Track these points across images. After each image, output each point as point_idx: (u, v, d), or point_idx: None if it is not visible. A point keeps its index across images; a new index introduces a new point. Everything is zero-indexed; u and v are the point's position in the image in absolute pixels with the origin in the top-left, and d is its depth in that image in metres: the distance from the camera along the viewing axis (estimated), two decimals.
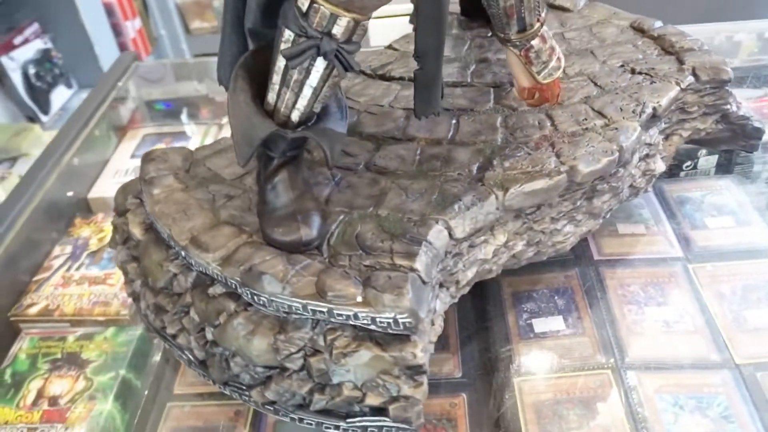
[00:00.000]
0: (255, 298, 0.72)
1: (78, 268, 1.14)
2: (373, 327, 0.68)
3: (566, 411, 0.87)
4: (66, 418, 0.91)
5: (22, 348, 1.02)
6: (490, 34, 1.16)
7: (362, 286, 0.69)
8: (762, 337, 0.93)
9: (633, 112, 0.93)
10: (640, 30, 1.14)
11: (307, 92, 0.74)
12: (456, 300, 0.83)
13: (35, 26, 2.78)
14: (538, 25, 0.80)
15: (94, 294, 1.08)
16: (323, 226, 0.77)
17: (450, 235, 0.77)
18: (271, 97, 0.75)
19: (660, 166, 0.99)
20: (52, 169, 1.20)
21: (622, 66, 1.04)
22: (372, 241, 0.75)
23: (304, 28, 0.68)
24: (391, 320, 0.67)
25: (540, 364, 0.93)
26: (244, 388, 0.74)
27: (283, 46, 0.71)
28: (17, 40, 2.72)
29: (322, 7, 0.67)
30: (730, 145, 1.10)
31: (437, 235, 0.76)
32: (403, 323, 0.67)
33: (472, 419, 0.88)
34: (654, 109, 0.94)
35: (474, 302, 1.05)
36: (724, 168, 1.24)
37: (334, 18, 0.68)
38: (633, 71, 1.03)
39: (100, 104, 1.37)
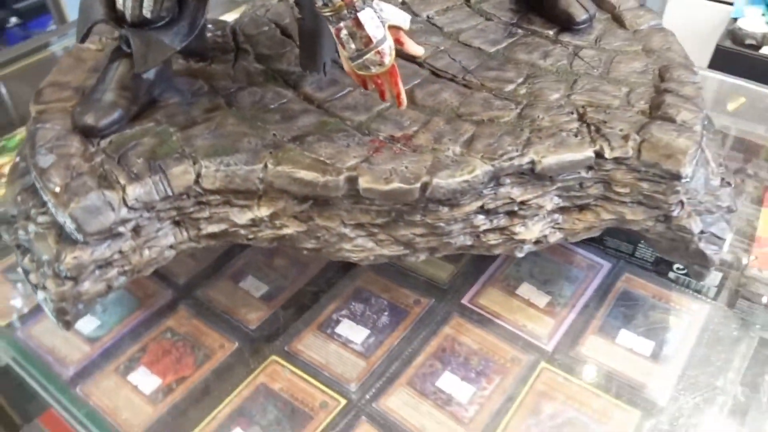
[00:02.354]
0: None
1: None
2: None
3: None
4: None
5: None
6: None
7: (69, 181, 0.74)
8: None
9: (502, 155, 0.76)
10: (661, 76, 0.88)
11: None
12: (200, 245, 0.82)
13: None
14: (341, 3, 0.68)
15: None
16: (113, 124, 0.81)
17: (197, 180, 0.76)
18: None
19: (531, 233, 0.80)
20: None
21: (582, 107, 0.83)
22: (132, 156, 0.78)
23: None
24: (65, 219, 0.71)
25: (305, 356, 0.88)
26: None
27: None
28: None
29: None
30: (673, 257, 0.83)
31: (180, 174, 0.76)
32: (70, 227, 0.71)
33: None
34: (533, 163, 0.75)
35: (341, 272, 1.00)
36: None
37: None
38: (581, 117, 0.82)
39: None
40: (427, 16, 1.05)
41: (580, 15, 0.98)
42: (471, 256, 1.00)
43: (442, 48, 0.97)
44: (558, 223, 0.82)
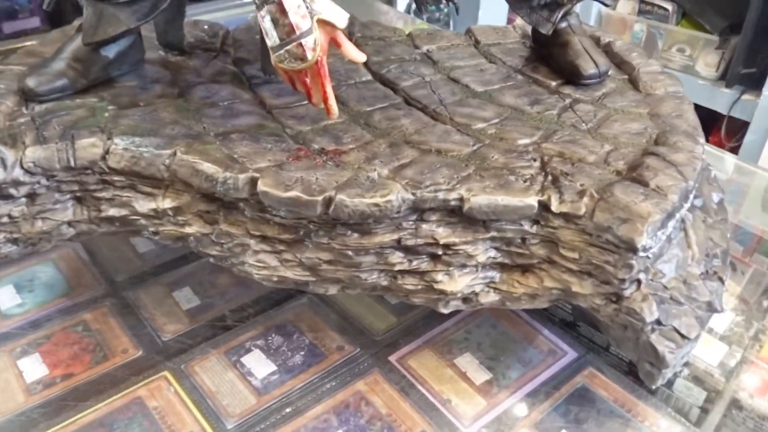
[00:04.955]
0: None
1: None
2: None
3: None
4: None
5: None
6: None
7: None
8: None
9: (428, 185, 0.65)
10: (656, 141, 0.75)
11: None
12: (99, 228, 0.75)
13: None
14: None
15: None
16: (54, 91, 0.79)
17: (104, 156, 0.71)
18: None
19: (455, 284, 0.67)
20: None
21: (549, 156, 0.72)
22: (54, 122, 0.74)
23: None
24: None
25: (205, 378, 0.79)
26: None
27: None
28: None
29: None
30: (624, 349, 0.68)
31: (87, 146, 0.71)
32: None
33: None
34: (461, 200, 0.64)
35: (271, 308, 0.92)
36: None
37: None
38: (543, 165, 0.70)
39: None
40: (427, 50, 0.98)
41: (588, 69, 0.88)
42: (422, 311, 0.88)
43: (428, 80, 0.89)
44: (494, 282, 0.70)
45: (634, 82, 0.90)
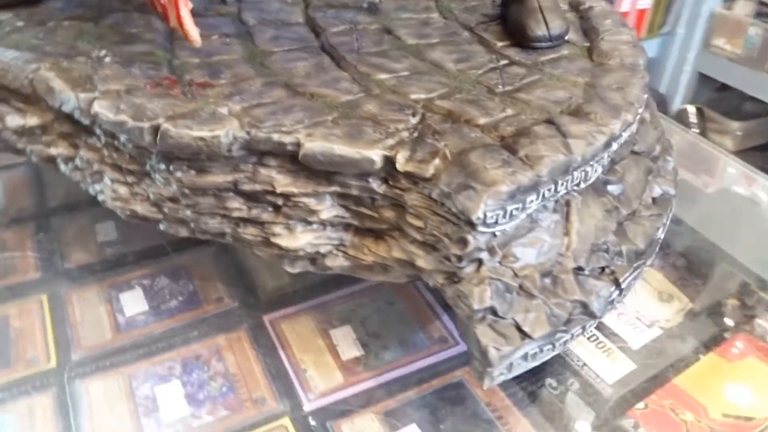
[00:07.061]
0: None
1: None
2: None
3: None
4: None
5: None
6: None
7: None
8: None
9: (267, 126, 0.59)
10: (570, 112, 0.64)
11: None
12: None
13: None
14: None
15: None
16: None
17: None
18: None
19: (294, 241, 0.60)
20: None
21: (433, 112, 0.63)
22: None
23: None
24: None
25: None
26: None
27: None
28: None
29: None
30: (467, 341, 0.58)
31: None
32: None
33: None
34: (297, 145, 0.57)
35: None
36: None
37: None
38: (421, 120, 0.61)
39: None
40: (379, 0, 0.90)
41: (536, 30, 0.76)
42: (320, 277, 0.82)
43: (359, 28, 0.82)
44: (344, 245, 0.62)
45: (591, 51, 0.77)
